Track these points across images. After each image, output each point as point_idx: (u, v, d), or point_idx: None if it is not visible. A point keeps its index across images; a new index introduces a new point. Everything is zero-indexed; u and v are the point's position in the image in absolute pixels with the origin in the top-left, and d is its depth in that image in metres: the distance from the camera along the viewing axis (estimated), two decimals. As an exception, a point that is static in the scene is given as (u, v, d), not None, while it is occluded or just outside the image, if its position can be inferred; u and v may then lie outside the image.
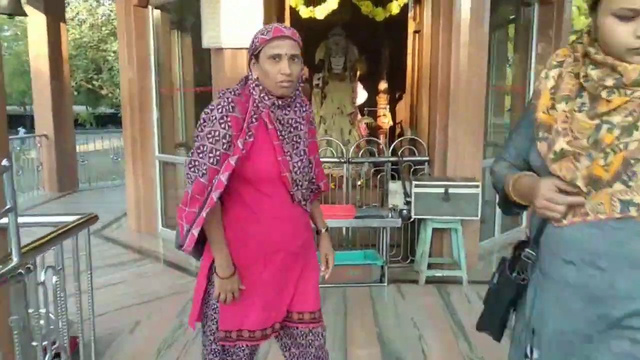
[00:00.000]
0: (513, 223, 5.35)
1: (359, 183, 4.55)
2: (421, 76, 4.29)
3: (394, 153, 4.27)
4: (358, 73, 6.49)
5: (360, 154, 4.42)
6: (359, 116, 6.62)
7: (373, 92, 6.96)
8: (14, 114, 33.81)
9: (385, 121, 6.51)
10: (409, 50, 4.44)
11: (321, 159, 4.37)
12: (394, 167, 4.25)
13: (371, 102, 6.77)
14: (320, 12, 4.23)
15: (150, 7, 5.17)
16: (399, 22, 5.60)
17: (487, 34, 4.15)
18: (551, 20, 5.12)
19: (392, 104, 6.97)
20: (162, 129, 5.34)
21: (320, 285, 1.85)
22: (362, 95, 6.64)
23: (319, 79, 6.53)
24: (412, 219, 4.10)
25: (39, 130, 7.80)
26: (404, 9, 4.28)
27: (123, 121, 5.40)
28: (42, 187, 7.83)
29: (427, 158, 4.22)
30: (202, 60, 4.81)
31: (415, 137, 4.33)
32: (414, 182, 3.81)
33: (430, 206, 3.81)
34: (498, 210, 5.02)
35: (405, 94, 4.55)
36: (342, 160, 4.21)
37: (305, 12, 4.23)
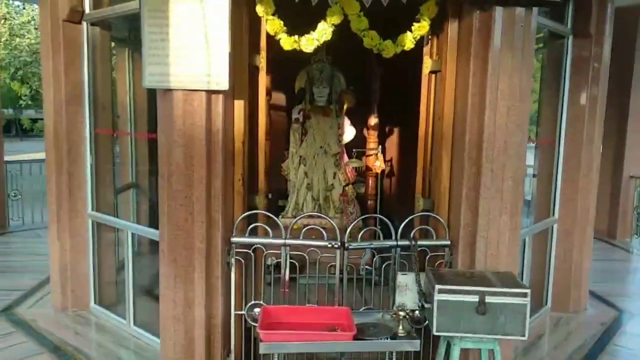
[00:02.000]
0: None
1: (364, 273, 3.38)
2: (441, 131, 3.18)
3: (403, 234, 3.14)
4: (345, 106, 5.38)
5: (360, 236, 3.24)
6: (346, 157, 5.50)
7: (361, 126, 5.87)
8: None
9: (377, 164, 5.40)
10: (423, 95, 3.33)
11: (306, 241, 3.23)
12: (402, 253, 3.12)
13: (358, 139, 5.66)
14: (307, 44, 3.08)
15: (85, 24, 3.94)
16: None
17: (531, 81, 3.09)
18: (588, 57, 4.12)
19: (381, 138, 5.87)
20: (97, 180, 4.10)
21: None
22: (349, 132, 5.53)
23: (299, 112, 5.39)
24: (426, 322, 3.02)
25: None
26: (419, 42, 3.18)
27: (46, 168, 4.12)
28: (-39, 229, 6.43)
29: (448, 242, 3.11)
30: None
31: (433, 214, 3.21)
32: (437, 286, 2.69)
33: (459, 320, 2.69)
34: (551, 268, 3.97)
35: (418, 154, 3.42)
36: (335, 246, 3.04)
37: (287, 43, 3.08)
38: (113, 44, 4.36)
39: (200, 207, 2.92)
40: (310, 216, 5.35)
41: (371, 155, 5.60)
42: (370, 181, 5.62)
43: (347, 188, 5.24)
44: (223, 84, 2.84)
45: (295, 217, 5.34)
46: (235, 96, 3.07)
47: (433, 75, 3.30)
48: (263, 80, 3.25)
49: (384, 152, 5.67)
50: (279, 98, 6.12)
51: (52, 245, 4.13)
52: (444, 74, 3.14)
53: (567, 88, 4.16)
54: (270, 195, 5.59)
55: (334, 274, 3.08)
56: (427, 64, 3.25)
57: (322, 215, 3.47)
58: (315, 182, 5.40)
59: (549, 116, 4.28)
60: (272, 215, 3.22)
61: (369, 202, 5.62)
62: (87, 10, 3.90)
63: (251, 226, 3.15)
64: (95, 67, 4.04)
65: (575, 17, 4.13)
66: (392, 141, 6.30)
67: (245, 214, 3.14)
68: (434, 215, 3.19)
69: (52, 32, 3.92)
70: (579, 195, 4.23)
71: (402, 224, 3.12)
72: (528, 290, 2.70)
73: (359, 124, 5.68)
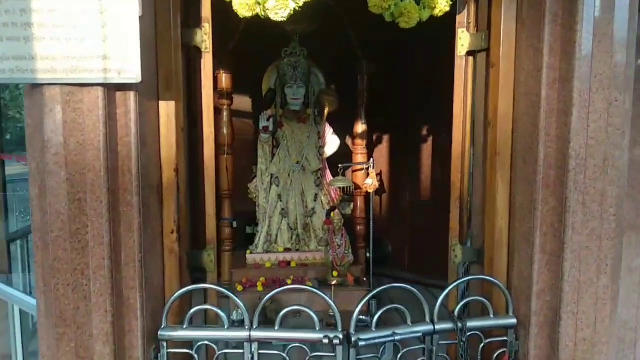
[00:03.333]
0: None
1: None
2: (493, 143, 1.99)
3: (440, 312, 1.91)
4: (326, 110, 4.17)
5: (374, 321, 1.94)
6: (329, 175, 4.28)
7: (343, 134, 4.68)
8: None
9: (370, 182, 4.19)
10: (457, 89, 2.14)
11: (287, 333, 1.86)
12: (442, 342, 1.90)
13: (342, 151, 4.46)
14: (277, 8, 1.85)
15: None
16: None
17: (635, 62, 1.93)
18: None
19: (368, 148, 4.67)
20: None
21: None
22: (332, 143, 4.29)
23: (268, 118, 4.15)
24: None
25: None
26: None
27: None
28: None
29: (513, 320, 1.91)
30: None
31: (486, 277, 2.00)
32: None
33: None
34: None
35: (452, 178, 2.21)
36: (336, 341, 1.78)
37: (244, 7, 1.85)
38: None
39: (101, 284, 1.65)
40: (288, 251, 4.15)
41: (359, 170, 4.40)
42: (359, 201, 4.42)
43: (332, 214, 4.02)
44: (131, 72, 1.58)
45: (267, 253, 4.13)
46: (160, 95, 1.82)
47: (469, 58, 2.11)
48: (209, 68, 2.00)
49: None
50: (244, 102, 4.87)
51: None
52: (495, 55, 1.95)
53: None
54: (234, 224, 4.34)
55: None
56: (464, 41, 2.06)
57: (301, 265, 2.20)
58: (292, 207, 4.16)
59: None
60: (226, 292, 1.91)
61: (357, 227, 4.41)
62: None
63: (194, 310, 1.87)
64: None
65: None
66: (381, 151, 5.10)
67: (183, 290, 1.86)
68: (488, 278, 1.97)
69: None
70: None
71: (440, 297, 1.88)
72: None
73: (342, 132, 4.48)
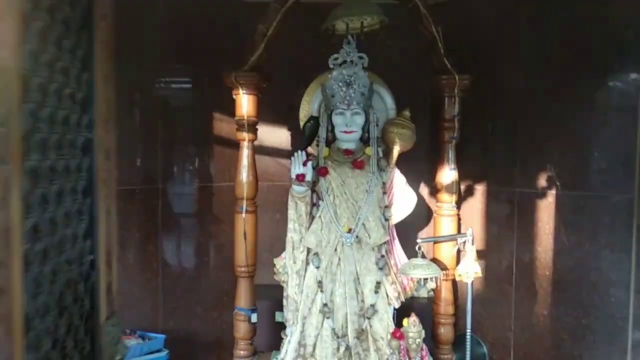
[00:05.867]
0: None
1: None
2: None
3: None
4: (396, 149, 2.58)
5: None
6: (400, 253, 2.64)
7: (417, 183, 3.09)
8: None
9: (468, 272, 2.52)
10: None
11: None
12: None
13: (419, 211, 2.83)
14: None
15: None
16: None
17: None
18: None
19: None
20: None
21: None
22: (406, 201, 2.68)
23: (304, 162, 2.58)
24: None
25: None
26: None
27: None
28: None
29: None
30: None
31: None
32: None
33: None
34: None
35: None
36: None
37: None
38: None
39: None
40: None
41: (444, 241, 2.75)
42: (444, 290, 2.75)
43: (406, 321, 2.36)
44: None
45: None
46: None
47: None
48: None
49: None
50: (275, 135, 3.41)
51: None
52: None
53: None
54: (254, 318, 2.80)
55: None
56: None
57: None
58: (340, 302, 2.54)
59: None
60: None
61: (441, 328, 2.75)
62: None
63: None
64: None
65: None
66: (471, 205, 3.38)
67: None
68: None
69: None
70: None
71: None
72: None
73: (415, 179, 2.88)
